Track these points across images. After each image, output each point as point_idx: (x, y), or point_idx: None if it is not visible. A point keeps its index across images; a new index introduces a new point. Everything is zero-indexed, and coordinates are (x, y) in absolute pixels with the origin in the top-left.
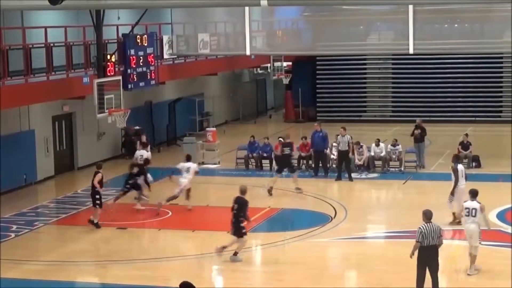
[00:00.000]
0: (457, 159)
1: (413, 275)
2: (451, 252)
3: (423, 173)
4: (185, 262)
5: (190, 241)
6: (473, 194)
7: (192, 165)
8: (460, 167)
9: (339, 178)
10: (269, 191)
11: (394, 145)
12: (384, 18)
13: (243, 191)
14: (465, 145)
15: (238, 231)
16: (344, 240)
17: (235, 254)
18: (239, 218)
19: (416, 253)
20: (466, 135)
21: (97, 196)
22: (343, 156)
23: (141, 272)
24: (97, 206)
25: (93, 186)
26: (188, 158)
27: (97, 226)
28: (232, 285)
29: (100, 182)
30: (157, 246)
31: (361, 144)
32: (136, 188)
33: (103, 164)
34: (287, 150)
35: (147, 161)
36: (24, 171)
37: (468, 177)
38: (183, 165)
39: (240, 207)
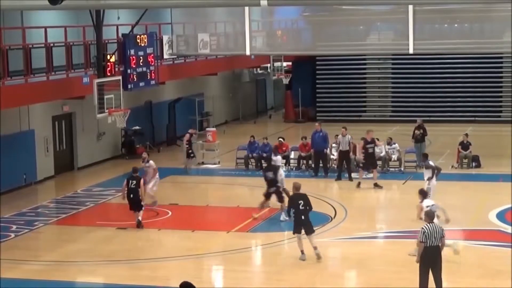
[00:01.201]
0: (426, 157)
1: (413, 275)
2: (449, 253)
3: (422, 173)
4: (185, 262)
5: (190, 241)
6: (425, 193)
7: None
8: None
9: (339, 178)
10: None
11: (389, 143)
12: (384, 18)
13: (298, 187)
14: (465, 145)
15: (312, 227)
16: (344, 240)
17: (315, 248)
18: (308, 213)
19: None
20: (466, 135)
21: (141, 198)
22: (344, 156)
23: (141, 272)
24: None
25: (137, 192)
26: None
27: (141, 225)
28: (232, 285)
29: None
30: (157, 246)
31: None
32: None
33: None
34: (370, 149)
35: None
36: (24, 171)
37: (468, 177)
38: (277, 158)
39: (306, 202)
